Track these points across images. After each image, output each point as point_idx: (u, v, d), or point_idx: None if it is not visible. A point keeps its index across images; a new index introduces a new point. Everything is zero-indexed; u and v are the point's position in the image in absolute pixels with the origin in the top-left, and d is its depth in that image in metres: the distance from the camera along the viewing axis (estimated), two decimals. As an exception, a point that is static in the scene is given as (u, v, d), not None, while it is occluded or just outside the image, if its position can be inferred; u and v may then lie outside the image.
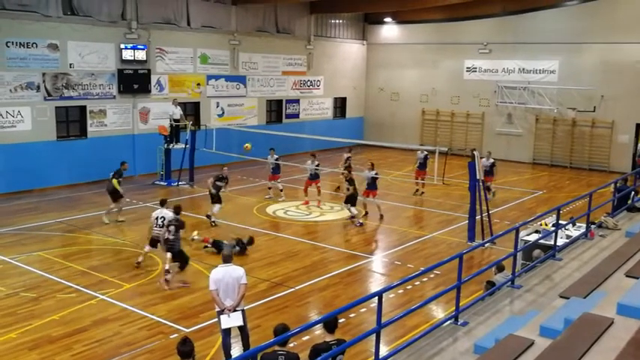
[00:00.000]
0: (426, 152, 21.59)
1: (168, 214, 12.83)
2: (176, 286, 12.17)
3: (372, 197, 18.13)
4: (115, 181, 16.85)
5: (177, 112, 22.73)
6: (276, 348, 6.55)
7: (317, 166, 19.85)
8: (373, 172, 18.02)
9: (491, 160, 20.78)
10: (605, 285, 8.57)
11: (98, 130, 22.32)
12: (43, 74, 20.52)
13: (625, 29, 26.17)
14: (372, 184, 18.11)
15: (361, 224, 17.51)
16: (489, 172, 20.31)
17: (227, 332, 8.99)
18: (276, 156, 20.63)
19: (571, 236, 12.29)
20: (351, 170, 18.71)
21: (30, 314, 10.90)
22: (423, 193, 21.55)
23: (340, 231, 17.21)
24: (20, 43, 19.84)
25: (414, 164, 22.01)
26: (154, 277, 12.90)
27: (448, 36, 31.22)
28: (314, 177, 19.94)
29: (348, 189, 17.77)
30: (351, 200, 17.67)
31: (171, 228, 12.21)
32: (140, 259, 13.32)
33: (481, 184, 15.63)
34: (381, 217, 18.04)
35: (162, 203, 13.58)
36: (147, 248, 13.26)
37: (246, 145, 20.97)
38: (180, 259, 12.37)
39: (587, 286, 8.52)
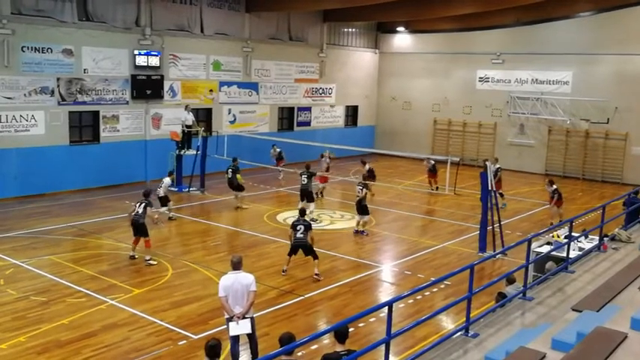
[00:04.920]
0: (433, 161, 22.93)
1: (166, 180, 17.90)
2: None
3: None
4: (239, 176, 19.84)
5: (190, 118, 22.79)
6: (283, 357, 6.50)
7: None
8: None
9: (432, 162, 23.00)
10: (619, 298, 8.46)
11: (111, 136, 22.43)
12: (58, 79, 20.68)
13: (639, 41, 26.01)
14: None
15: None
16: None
17: (235, 339, 8.97)
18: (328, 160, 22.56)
19: (584, 248, 12.16)
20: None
21: (39, 318, 10.92)
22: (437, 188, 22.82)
23: (350, 239, 17.14)
24: (35, 48, 20.01)
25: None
26: (164, 283, 12.92)
27: (461, 46, 31.16)
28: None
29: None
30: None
31: None
32: None
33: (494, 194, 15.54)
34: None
35: (169, 174, 18.39)
36: None
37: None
38: None
39: (600, 299, 8.42)
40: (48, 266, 13.73)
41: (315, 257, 13.47)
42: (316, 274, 13.39)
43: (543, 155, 29.30)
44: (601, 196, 23.96)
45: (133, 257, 14.32)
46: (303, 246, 13.34)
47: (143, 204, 14.22)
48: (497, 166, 20.94)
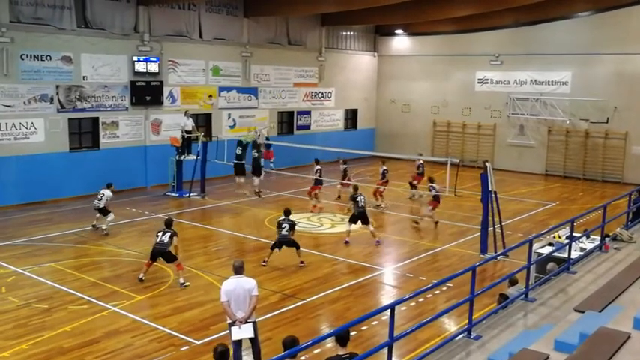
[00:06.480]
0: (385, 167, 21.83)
1: (107, 192, 17.46)
2: None
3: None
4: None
5: (189, 123, 22.82)
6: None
7: (317, 171, 20.81)
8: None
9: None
10: (621, 298, 8.45)
11: (110, 142, 22.44)
12: (57, 86, 20.71)
13: (638, 40, 26.03)
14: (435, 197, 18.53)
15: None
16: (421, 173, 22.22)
17: (238, 344, 8.96)
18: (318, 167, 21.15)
19: (585, 249, 12.15)
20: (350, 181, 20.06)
21: (42, 325, 10.92)
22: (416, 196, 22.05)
23: (351, 243, 17.12)
24: (34, 55, 20.04)
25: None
26: (165, 289, 12.91)
27: (459, 48, 31.20)
28: (317, 183, 20.80)
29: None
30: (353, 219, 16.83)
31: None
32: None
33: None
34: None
35: (108, 186, 17.73)
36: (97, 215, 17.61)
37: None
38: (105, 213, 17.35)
39: (602, 299, 8.40)
40: (49, 273, 13.73)
41: (298, 247, 14.48)
42: (301, 263, 14.48)
43: (543, 156, 29.31)
44: (602, 195, 23.95)
45: (141, 279, 13.25)
46: (286, 242, 14.35)
47: (168, 233, 13.27)
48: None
